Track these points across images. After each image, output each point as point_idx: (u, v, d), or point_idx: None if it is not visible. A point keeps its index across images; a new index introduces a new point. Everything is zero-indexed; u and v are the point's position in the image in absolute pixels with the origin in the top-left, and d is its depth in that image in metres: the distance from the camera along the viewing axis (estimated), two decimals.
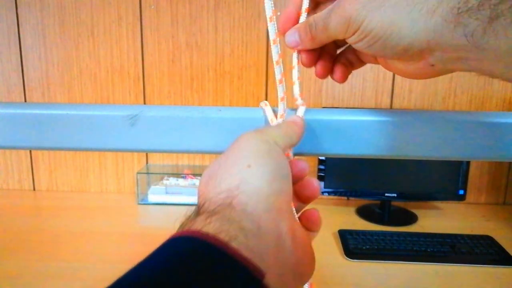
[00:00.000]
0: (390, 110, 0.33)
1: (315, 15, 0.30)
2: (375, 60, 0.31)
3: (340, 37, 0.28)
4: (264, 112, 0.33)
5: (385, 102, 1.28)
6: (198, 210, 0.25)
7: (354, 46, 0.28)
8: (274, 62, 0.31)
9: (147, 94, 1.31)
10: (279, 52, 0.31)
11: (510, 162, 1.31)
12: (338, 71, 0.33)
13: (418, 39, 0.25)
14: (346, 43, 0.31)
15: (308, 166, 0.31)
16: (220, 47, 1.26)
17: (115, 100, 1.31)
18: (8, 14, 1.27)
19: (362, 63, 0.33)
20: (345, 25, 0.27)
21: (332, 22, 0.28)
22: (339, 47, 0.34)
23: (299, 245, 0.26)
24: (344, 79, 0.33)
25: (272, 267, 0.23)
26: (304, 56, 0.32)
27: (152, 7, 1.24)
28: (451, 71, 0.27)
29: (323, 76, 0.33)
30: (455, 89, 1.26)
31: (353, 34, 0.27)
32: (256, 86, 1.27)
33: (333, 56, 0.34)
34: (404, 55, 0.27)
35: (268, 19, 0.29)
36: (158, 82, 1.30)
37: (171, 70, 1.29)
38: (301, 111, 0.32)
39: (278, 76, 0.32)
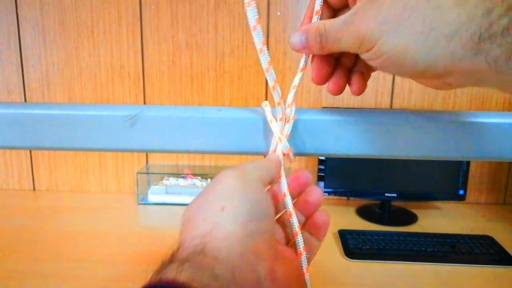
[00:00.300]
0: (390, 110, 0.33)
1: (328, 23, 0.28)
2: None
3: (352, 51, 0.27)
4: (264, 112, 0.33)
5: (385, 102, 1.28)
6: (172, 256, 0.25)
7: (367, 61, 0.27)
8: (264, 70, 0.30)
9: (147, 94, 1.31)
10: (268, 59, 0.30)
11: (510, 162, 1.31)
12: (356, 83, 0.32)
13: (434, 65, 0.24)
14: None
15: (310, 176, 0.31)
16: (220, 47, 1.26)
17: (115, 100, 1.31)
18: (8, 14, 1.27)
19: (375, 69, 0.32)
20: (357, 43, 0.26)
21: (345, 38, 0.27)
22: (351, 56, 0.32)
23: (283, 285, 0.25)
24: (362, 90, 0.32)
25: None
26: (316, 73, 0.31)
27: (152, 7, 1.24)
28: (468, 86, 0.27)
29: (336, 92, 0.32)
30: (455, 89, 1.26)
31: (366, 52, 0.26)
32: (256, 86, 1.27)
33: (347, 70, 0.32)
34: (420, 77, 0.26)
35: (252, 29, 0.28)
36: (158, 82, 1.30)
37: (171, 70, 1.29)
38: (286, 129, 0.32)
39: (271, 83, 0.31)
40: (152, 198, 1.28)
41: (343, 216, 1.21)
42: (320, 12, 0.30)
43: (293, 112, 0.32)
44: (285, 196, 0.32)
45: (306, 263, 0.31)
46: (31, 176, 1.39)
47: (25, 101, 1.33)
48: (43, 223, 1.14)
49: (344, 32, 0.27)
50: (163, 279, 0.22)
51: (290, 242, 0.33)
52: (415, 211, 1.25)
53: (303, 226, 0.33)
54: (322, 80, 0.31)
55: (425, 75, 0.25)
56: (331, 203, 1.31)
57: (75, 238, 1.04)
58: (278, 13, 1.23)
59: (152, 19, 1.25)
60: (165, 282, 0.22)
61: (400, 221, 1.18)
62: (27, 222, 1.14)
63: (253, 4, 0.28)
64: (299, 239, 0.31)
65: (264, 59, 0.30)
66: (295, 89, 0.33)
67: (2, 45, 1.29)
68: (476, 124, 0.32)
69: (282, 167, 0.32)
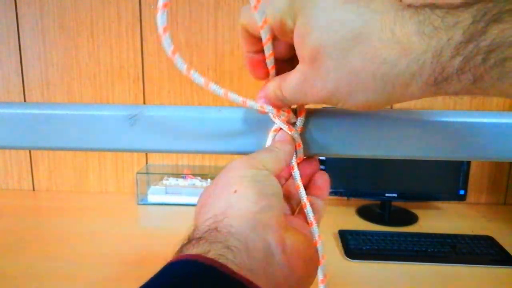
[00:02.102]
0: (390, 110, 0.33)
1: (283, 87, 0.29)
2: None
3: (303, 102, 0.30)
4: (267, 109, 0.32)
5: None
6: (187, 239, 0.26)
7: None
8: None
9: (147, 94, 1.31)
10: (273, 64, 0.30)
11: (510, 162, 1.31)
12: None
13: (402, 100, 0.25)
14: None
15: (318, 162, 0.32)
16: (220, 47, 1.26)
17: (114, 100, 1.31)
18: (8, 14, 1.27)
19: None
20: (320, 103, 0.28)
21: (306, 100, 0.28)
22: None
23: (292, 256, 0.27)
24: None
25: (263, 281, 0.24)
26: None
27: (152, 6, 1.24)
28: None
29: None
30: None
31: (336, 104, 0.27)
32: (256, 86, 1.26)
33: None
34: (406, 95, 0.26)
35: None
36: (158, 82, 1.30)
37: (171, 70, 1.28)
38: (300, 122, 0.32)
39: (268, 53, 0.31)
40: (151, 198, 1.28)
41: (344, 216, 1.21)
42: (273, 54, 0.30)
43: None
44: (298, 188, 0.32)
45: (318, 232, 0.31)
46: (30, 176, 1.38)
47: (25, 101, 1.33)
48: (42, 223, 1.14)
49: (301, 98, 0.28)
50: (178, 257, 0.24)
51: (295, 211, 0.34)
52: (415, 211, 1.25)
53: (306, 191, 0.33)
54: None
55: (407, 94, 0.25)
56: (331, 203, 1.31)
57: (74, 238, 1.04)
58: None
59: (152, 19, 1.25)
60: (180, 257, 0.24)
61: (401, 221, 1.18)
62: (27, 222, 1.14)
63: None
64: (308, 209, 0.32)
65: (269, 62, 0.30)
66: None
67: (2, 45, 1.29)
68: (476, 124, 0.32)
69: (298, 177, 0.33)
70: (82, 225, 1.12)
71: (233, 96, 0.30)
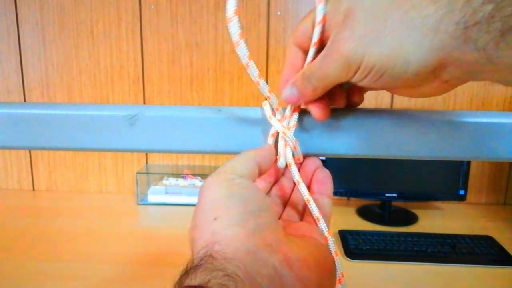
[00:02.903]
0: (391, 109, 0.33)
1: (310, 64, 0.29)
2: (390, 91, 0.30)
3: (343, 80, 0.27)
4: (263, 111, 0.32)
5: (385, 101, 1.27)
6: (185, 269, 0.25)
7: (359, 84, 0.27)
8: (244, 65, 0.30)
9: (147, 94, 1.31)
10: (248, 53, 0.30)
11: (510, 162, 1.31)
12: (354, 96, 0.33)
13: (426, 61, 0.24)
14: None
15: (318, 159, 0.32)
16: (220, 47, 1.26)
17: (114, 100, 1.31)
18: (8, 14, 1.27)
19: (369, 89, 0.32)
20: (344, 67, 0.26)
21: (330, 68, 0.27)
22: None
23: (302, 270, 0.25)
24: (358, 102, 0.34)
25: None
26: (316, 111, 0.30)
27: (152, 7, 1.24)
28: (465, 82, 0.26)
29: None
30: (455, 89, 1.25)
31: (355, 73, 0.26)
32: (256, 86, 1.27)
33: (342, 96, 0.32)
34: (416, 80, 0.25)
35: (235, 44, 0.28)
36: (158, 82, 1.30)
37: (171, 70, 1.28)
38: (293, 120, 0.32)
39: (266, 94, 0.31)
40: (151, 198, 1.28)
41: (344, 216, 1.21)
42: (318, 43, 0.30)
43: (289, 110, 0.32)
44: (298, 184, 0.31)
45: (327, 228, 0.30)
46: (30, 176, 1.38)
47: (25, 101, 1.33)
48: (42, 223, 1.14)
49: (328, 63, 0.27)
50: (182, 286, 0.23)
51: (302, 217, 0.33)
52: (415, 211, 1.25)
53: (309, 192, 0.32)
54: (325, 116, 0.31)
55: (420, 76, 0.25)
56: None
57: (74, 238, 1.04)
58: (278, 13, 1.23)
59: (152, 19, 1.25)
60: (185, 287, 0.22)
61: (401, 221, 1.18)
62: (27, 222, 1.14)
63: (235, 19, 0.27)
64: (312, 204, 0.31)
65: (243, 53, 0.29)
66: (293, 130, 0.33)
67: (2, 45, 1.29)
68: (476, 124, 0.32)
69: (297, 175, 0.31)
70: (82, 225, 1.12)
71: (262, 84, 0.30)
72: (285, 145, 0.32)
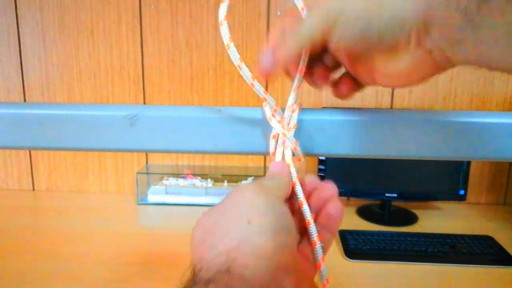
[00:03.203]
0: (390, 110, 0.33)
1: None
2: (372, 80, 0.29)
3: (318, 37, 0.26)
4: (263, 112, 0.32)
5: (385, 102, 1.28)
6: (194, 277, 0.24)
7: (336, 46, 0.26)
8: (237, 67, 0.31)
9: (147, 94, 1.31)
10: (238, 56, 0.31)
11: (510, 162, 1.31)
12: (343, 87, 0.32)
13: (409, 12, 0.23)
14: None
15: (335, 189, 0.30)
16: (220, 47, 1.26)
17: (114, 100, 1.31)
18: (8, 14, 1.27)
19: (360, 86, 0.32)
20: (322, 19, 0.26)
21: (307, 21, 0.27)
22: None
23: None
24: (348, 93, 0.32)
25: None
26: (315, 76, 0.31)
27: (152, 7, 1.24)
28: (451, 63, 0.24)
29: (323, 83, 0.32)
30: (455, 89, 1.26)
31: (333, 29, 0.25)
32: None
33: (325, 75, 0.32)
34: (398, 43, 0.24)
35: (226, 46, 0.29)
36: (158, 82, 1.30)
37: (171, 70, 1.28)
38: (293, 120, 0.32)
39: (262, 95, 0.31)
40: (151, 198, 1.28)
41: (343, 216, 1.21)
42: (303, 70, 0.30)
43: (295, 108, 0.32)
44: (302, 205, 0.30)
45: (321, 255, 0.30)
46: (30, 176, 1.38)
47: (25, 101, 1.33)
48: (42, 223, 1.14)
49: (307, 16, 0.27)
50: None
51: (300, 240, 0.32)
52: (415, 211, 1.25)
53: (315, 217, 0.31)
54: (323, 80, 0.32)
55: (403, 34, 0.24)
56: None
57: (75, 238, 1.04)
58: (278, 13, 1.23)
59: (152, 19, 1.25)
60: None
61: (401, 221, 1.18)
62: (27, 222, 1.14)
63: (225, 23, 0.28)
64: (318, 249, 0.30)
65: (234, 56, 0.31)
66: (295, 92, 0.33)
67: (2, 45, 1.29)
68: (476, 124, 0.32)
69: (295, 174, 0.31)
70: (82, 225, 1.12)
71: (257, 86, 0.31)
72: (285, 146, 0.32)
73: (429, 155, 0.33)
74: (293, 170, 0.31)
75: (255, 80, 0.31)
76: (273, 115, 0.32)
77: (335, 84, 0.32)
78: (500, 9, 0.20)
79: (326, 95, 1.27)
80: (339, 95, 0.32)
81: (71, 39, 1.28)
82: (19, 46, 1.29)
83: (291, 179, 0.31)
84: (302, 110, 0.33)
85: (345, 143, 0.33)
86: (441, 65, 0.25)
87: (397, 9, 0.23)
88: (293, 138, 0.31)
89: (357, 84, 0.31)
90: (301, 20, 0.27)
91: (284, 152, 0.32)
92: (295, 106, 0.32)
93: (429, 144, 0.32)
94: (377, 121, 0.33)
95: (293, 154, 0.32)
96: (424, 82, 0.26)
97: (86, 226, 1.12)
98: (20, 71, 1.30)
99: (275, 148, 0.32)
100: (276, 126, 0.31)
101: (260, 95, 0.31)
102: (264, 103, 0.32)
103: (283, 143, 0.32)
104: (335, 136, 0.33)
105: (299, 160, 0.33)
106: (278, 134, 0.32)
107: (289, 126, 0.32)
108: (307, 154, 0.34)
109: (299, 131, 0.33)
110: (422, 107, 1.27)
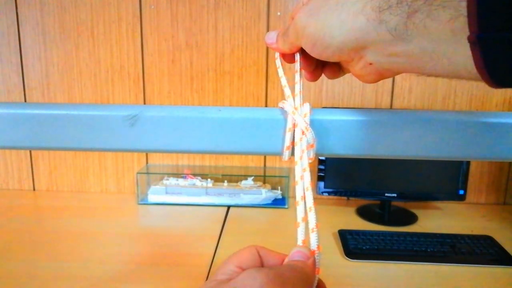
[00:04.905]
0: (390, 110, 0.33)
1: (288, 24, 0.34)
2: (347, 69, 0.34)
3: (297, 44, 0.32)
4: (284, 106, 0.32)
5: (385, 102, 1.28)
6: None
7: (309, 52, 0.31)
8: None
9: (147, 94, 1.31)
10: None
11: (510, 162, 1.31)
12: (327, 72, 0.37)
13: (347, 38, 0.27)
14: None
15: None
16: (220, 47, 1.26)
17: (115, 100, 1.31)
18: (8, 14, 1.27)
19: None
20: (296, 33, 0.31)
21: (289, 32, 0.33)
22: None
23: None
24: (332, 77, 0.37)
25: None
26: (308, 76, 0.37)
27: (152, 7, 1.24)
28: (391, 71, 0.29)
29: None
30: (455, 89, 1.26)
31: (302, 39, 0.31)
32: (256, 86, 1.27)
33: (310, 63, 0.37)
34: (342, 54, 0.29)
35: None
36: (158, 82, 1.30)
37: (171, 70, 1.29)
38: (307, 120, 0.32)
39: (288, 94, 0.34)
40: (152, 198, 1.28)
41: (343, 216, 1.21)
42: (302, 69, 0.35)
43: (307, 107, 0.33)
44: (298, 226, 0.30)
45: None
46: (31, 176, 1.39)
47: (25, 101, 1.33)
48: (43, 223, 1.14)
49: (290, 28, 0.32)
50: None
51: None
52: (415, 211, 1.25)
53: None
54: (313, 78, 0.37)
55: (344, 51, 0.28)
56: (331, 203, 1.31)
57: (75, 238, 1.04)
58: (278, 13, 1.23)
59: (152, 19, 1.25)
60: None
61: (400, 221, 1.18)
62: (27, 222, 1.14)
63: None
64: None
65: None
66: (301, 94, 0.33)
67: (2, 45, 1.29)
68: (476, 124, 0.32)
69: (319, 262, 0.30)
70: (82, 225, 1.12)
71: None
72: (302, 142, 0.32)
73: (429, 155, 0.33)
74: (314, 238, 0.30)
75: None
76: (295, 108, 0.32)
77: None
78: (424, 23, 0.23)
79: (326, 95, 1.27)
80: (326, 75, 0.37)
81: (71, 39, 1.28)
82: (19, 46, 1.29)
83: (315, 272, 0.29)
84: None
85: (344, 143, 0.33)
86: (383, 73, 0.30)
87: (338, 30, 0.28)
88: (313, 135, 0.31)
89: (339, 70, 0.36)
90: (287, 28, 0.33)
91: (302, 147, 0.32)
92: (307, 108, 0.32)
93: (429, 144, 0.32)
94: (377, 121, 0.33)
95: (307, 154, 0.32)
96: (377, 82, 0.32)
97: (86, 226, 1.12)
98: (20, 71, 1.30)
99: (290, 142, 0.32)
100: (298, 119, 0.31)
101: (286, 93, 0.34)
102: (280, 103, 0.33)
103: (300, 140, 0.32)
104: (335, 136, 0.33)
105: (311, 159, 0.32)
106: (294, 128, 0.32)
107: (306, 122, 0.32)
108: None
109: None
110: (422, 107, 1.27)
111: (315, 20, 0.29)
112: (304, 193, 0.31)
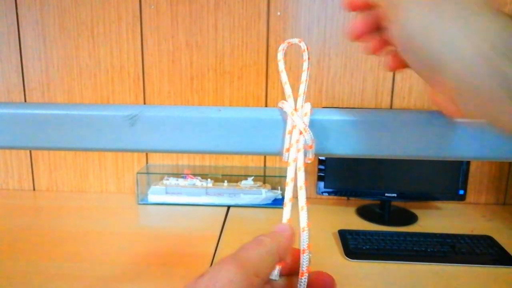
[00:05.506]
0: (390, 110, 0.33)
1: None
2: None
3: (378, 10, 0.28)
4: (283, 106, 0.32)
5: (385, 102, 1.28)
6: None
7: (390, 33, 0.28)
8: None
9: (147, 94, 1.31)
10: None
11: (510, 162, 1.31)
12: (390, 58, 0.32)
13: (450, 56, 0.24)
14: None
15: (332, 280, 0.29)
16: (220, 47, 1.26)
17: (115, 100, 1.31)
18: (8, 14, 1.27)
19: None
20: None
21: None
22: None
23: None
24: (393, 67, 0.32)
25: None
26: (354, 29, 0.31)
27: (152, 7, 1.24)
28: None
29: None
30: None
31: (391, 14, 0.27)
32: (256, 86, 1.27)
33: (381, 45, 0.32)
34: (431, 70, 0.26)
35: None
36: (158, 82, 1.30)
37: (171, 70, 1.29)
38: (306, 121, 0.31)
39: (288, 93, 0.33)
40: (152, 198, 1.28)
41: (343, 216, 1.21)
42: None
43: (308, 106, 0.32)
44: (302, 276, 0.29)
45: None
46: (31, 176, 1.39)
47: (25, 101, 1.33)
48: (43, 223, 1.14)
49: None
50: None
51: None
52: (415, 211, 1.25)
53: None
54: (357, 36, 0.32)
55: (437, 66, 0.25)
56: (331, 203, 1.31)
57: (75, 238, 1.04)
58: (278, 13, 1.23)
59: (152, 19, 1.25)
60: None
61: (400, 221, 1.18)
62: (27, 222, 1.14)
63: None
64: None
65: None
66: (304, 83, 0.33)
67: (2, 45, 1.29)
68: (475, 124, 0.32)
69: (306, 241, 0.29)
70: (82, 225, 1.12)
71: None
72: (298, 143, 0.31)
73: (429, 155, 0.33)
74: (304, 237, 0.30)
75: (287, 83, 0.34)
76: (295, 109, 0.32)
77: (388, 56, 0.32)
78: None
79: (326, 95, 1.27)
80: (387, 66, 0.32)
81: (71, 39, 1.28)
82: (19, 46, 1.29)
83: (290, 243, 0.29)
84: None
85: (344, 143, 0.33)
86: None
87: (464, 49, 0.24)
88: (311, 135, 0.31)
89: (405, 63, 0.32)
90: None
91: (298, 148, 0.31)
92: (308, 108, 0.32)
93: (429, 144, 0.32)
94: (377, 121, 0.33)
95: (305, 155, 0.32)
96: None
97: (86, 226, 1.12)
98: (20, 71, 1.30)
99: (290, 143, 0.32)
100: (297, 120, 0.31)
101: (286, 92, 0.33)
102: (280, 103, 0.33)
103: (297, 141, 0.31)
104: (335, 136, 0.33)
105: (310, 160, 0.32)
106: (293, 130, 0.31)
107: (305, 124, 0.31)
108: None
109: None
110: (422, 107, 1.27)
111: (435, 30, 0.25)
112: (297, 193, 0.31)
